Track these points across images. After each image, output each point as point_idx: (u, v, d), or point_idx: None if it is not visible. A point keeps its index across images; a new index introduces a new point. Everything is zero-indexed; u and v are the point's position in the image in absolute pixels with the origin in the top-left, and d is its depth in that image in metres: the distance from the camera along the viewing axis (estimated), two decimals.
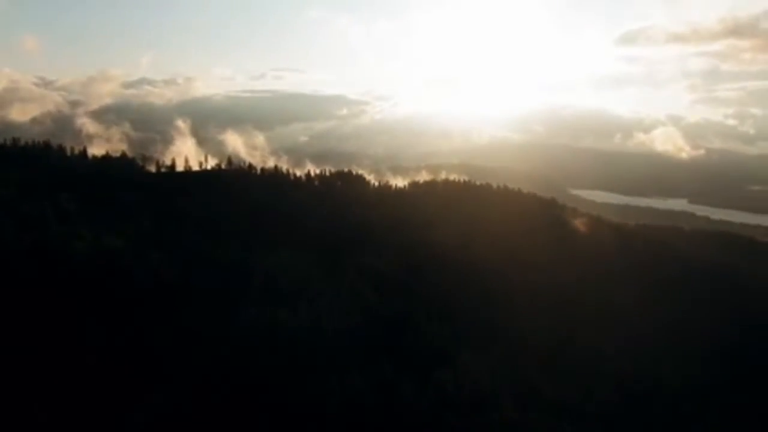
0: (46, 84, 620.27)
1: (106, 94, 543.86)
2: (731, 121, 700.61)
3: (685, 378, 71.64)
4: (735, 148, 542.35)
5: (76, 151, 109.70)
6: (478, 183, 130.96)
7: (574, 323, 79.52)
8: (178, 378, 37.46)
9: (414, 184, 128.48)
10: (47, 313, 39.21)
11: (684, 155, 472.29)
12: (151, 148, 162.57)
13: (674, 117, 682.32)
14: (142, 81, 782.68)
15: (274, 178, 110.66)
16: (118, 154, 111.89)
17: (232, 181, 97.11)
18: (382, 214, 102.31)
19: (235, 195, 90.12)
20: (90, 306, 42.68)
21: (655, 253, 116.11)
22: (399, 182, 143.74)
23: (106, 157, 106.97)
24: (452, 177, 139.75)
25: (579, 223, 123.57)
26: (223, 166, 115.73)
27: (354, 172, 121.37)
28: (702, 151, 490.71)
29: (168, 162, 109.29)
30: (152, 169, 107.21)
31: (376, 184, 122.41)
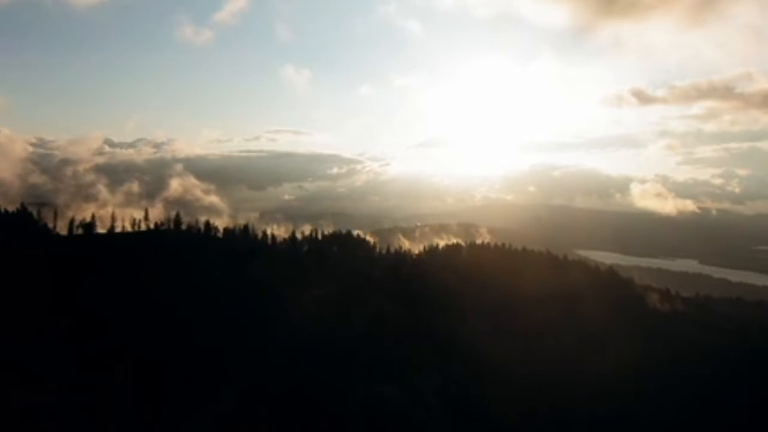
0: (43, 144, 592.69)
1: (95, 152, 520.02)
2: (718, 181, 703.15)
3: None
4: (728, 208, 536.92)
5: None
6: (513, 247, 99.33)
7: None
8: None
9: (432, 251, 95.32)
10: None
11: (679, 214, 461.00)
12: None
13: (662, 177, 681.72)
14: (139, 141, 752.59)
15: (240, 242, 76.34)
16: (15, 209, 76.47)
17: (172, 248, 63.19)
18: (398, 297, 68.85)
19: (174, 269, 56.04)
20: None
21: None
22: (406, 244, 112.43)
23: None
24: (479, 240, 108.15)
25: (654, 300, 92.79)
26: (171, 226, 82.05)
27: (354, 234, 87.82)
28: (696, 210, 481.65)
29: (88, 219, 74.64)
30: (59, 230, 72.42)
31: (383, 250, 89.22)
